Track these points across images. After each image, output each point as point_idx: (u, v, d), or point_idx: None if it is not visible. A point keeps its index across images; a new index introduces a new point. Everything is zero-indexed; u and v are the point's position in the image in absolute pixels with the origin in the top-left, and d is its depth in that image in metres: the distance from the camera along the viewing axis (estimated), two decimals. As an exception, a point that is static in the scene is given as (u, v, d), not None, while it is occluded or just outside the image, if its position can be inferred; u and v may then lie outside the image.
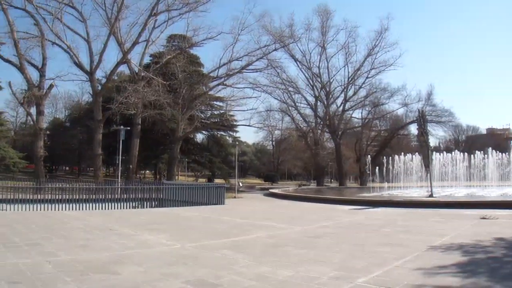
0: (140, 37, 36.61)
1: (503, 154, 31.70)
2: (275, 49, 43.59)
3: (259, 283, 4.94)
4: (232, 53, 39.38)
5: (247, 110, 42.95)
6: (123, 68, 43.31)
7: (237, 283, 4.93)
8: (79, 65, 35.71)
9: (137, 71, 38.84)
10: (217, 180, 54.02)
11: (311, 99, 52.41)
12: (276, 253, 6.99)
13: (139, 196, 18.91)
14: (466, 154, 32.88)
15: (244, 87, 42.22)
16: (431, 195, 20.47)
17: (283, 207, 19.09)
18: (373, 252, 7.00)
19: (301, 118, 53.20)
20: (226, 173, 58.80)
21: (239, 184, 32.84)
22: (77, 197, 17.40)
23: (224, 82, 41.54)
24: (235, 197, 24.91)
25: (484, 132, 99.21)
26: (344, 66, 51.59)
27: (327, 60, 51.21)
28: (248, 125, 45.10)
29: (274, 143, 74.77)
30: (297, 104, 51.88)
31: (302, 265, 5.92)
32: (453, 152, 34.67)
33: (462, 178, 31.98)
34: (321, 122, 52.80)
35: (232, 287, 4.77)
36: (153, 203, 19.31)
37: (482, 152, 31.43)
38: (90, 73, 35.88)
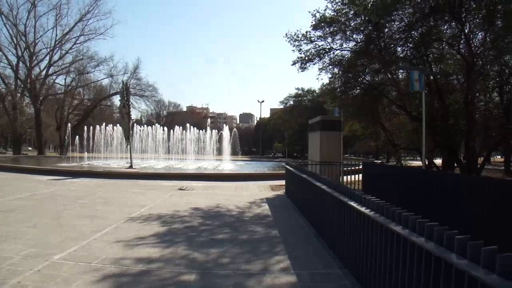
0: None
1: (201, 130, 36.43)
2: (-21, -2, 36.30)
3: None
4: None
5: None
6: None
7: None
8: None
9: None
10: None
11: (13, 59, 46.29)
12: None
13: None
14: (166, 128, 35.99)
15: None
16: (131, 166, 21.53)
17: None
18: (70, 226, 7.01)
19: (-1, 79, 46.17)
20: None
21: None
22: None
23: None
24: None
25: (185, 109, 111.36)
26: (53, 28, 48.11)
27: (35, 19, 45.98)
28: None
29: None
30: (-4, 63, 44.86)
31: (-8, 245, 5.48)
32: (154, 126, 37.21)
33: (162, 151, 34.98)
34: (22, 85, 47.68)
35: None
36: None
37: (181, 127, 35.22)
38: None
